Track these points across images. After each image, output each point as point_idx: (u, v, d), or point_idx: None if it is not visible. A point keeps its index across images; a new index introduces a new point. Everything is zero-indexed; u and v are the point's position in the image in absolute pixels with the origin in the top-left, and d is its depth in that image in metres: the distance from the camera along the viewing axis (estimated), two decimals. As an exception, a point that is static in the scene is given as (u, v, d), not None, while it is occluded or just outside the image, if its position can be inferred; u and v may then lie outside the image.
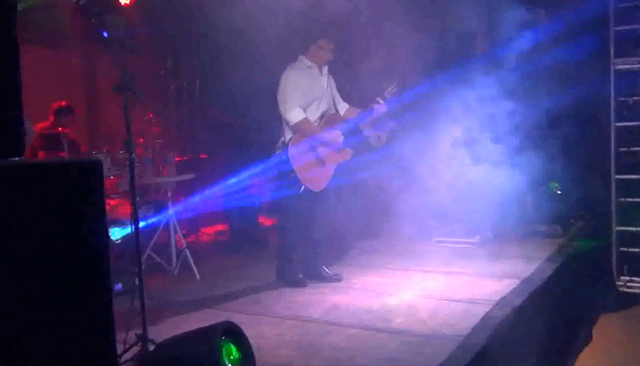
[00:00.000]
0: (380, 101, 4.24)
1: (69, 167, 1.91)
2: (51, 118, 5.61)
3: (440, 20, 5.37)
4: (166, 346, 2.78)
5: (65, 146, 5.07)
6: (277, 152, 4.27)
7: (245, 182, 5.18)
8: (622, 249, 5.77)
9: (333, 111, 4.40)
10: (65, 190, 1.81)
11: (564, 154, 6.10)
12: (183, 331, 2.90)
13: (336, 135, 4.25)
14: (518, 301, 3.76)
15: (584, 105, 5.91)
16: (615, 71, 5.71)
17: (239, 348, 2.73)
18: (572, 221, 5.84)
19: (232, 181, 5.21)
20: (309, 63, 4.25)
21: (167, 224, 4.82)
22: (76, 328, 1.83)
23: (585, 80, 5.77)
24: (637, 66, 5.63)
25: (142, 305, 2.97)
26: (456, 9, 5.40)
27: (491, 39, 5.44)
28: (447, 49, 5.37)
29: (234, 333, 2.75)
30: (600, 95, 5.80)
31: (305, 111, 4.16)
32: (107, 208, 4.86)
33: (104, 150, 5.10)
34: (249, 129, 5.36)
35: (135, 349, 2.94)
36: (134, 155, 3.07)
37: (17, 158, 1.86)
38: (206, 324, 2.84)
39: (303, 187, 4.14)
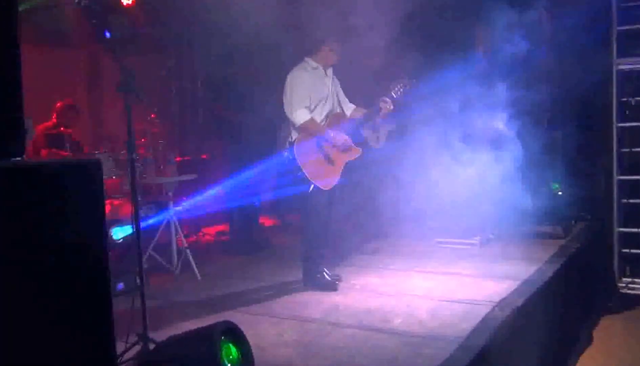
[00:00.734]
0: (387, 100, 4.25)
1: (69, 167, 1.92)
2: (54, 117, 5.63)
3: (441, 21, 5.37)
4: (166, 346, 2.79)
5: (68, 146, 5.09)
6: (283, 152, 4.28)
7: (246, 182, 5.19)
8: (623, 250, 5.76)
9: (338, 111, 4.41)
10: (65, 190, 1.83)
11: (565, 155, 6.09)
12: (183, 330, 2.92)
13: (344, 135, 4.25)
14: (519, 303, 3.75)
15: (585, 105, 5.89)
16: (618, 71, 5.70)
17: (238, 348, 2.74)
18: (573, 222, 5.83)
19: (234, 181, 5.23)
20: (315, 64, 4.27)
21: (168, 224, 4.84)
22: (76, 328, 1.84)
23: (587, 80, 5.76)
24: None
25: (143, 304, 2.99)
26: (456, 10, 5.41)
27: (492, 39, 5.44)
28: (447, 49, 5.37)
29: (233, 333, 2.76)
30: (602, 95, 5.79)
31: (311, 111, 4.17)
32: (110, 208, 4.94)
33: (107, 150, 5.12)
34: (251, 130, 5.37)
35: (136, 348, 2.95)
36: (135, 155, 3.08)
37: (18, 158, 1.88)
38: (206, 324, 2.85)
39: (312, 185, 4.14)
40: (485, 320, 3.48)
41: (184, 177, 5.33)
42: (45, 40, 6.08)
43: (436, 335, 3.30)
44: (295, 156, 4.12)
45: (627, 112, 5.77)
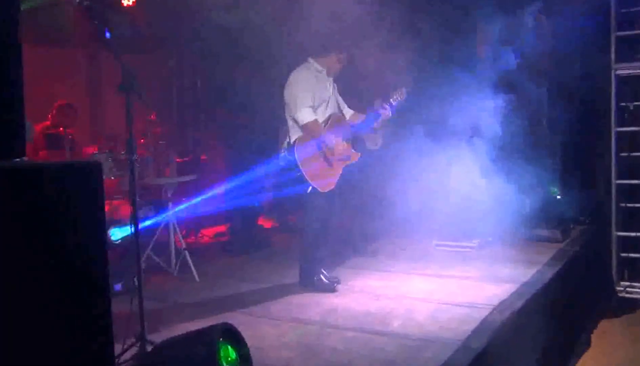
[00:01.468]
0: (386, 107, 4.32)
1: (69, 168, 1.92)
2: (52, 116, 5.62)
3: (441, 23, 5.38)
4: (164, 347, 2.78)
5: (67, 146, 5.09)
6: (282, 152, 4.28)
7: (246, 183, 5.19)
8: (622, 254, 5.77)
9: (338, 114, 4.43)
10: (65, 191, 1.82)
11: (564, 159, 6.10)
12: (181, 332, 2.91)
13: (344, 139, 4.26)
14: (517, 305, 3.75)
15: (584, 110, 5.91)
16: (616, 76, 5.71)
17: (236, 350, 2.73)
18: (572, 226, 5.83)
19: (233, 182, 5.23)
20: (320, 67, 4.28)
21: (167, 225, 4.83)
22: (74, 329, 1.83)
23: (586, 85, 5.77)
24: (639, 71, 5.64)
25: (141, 305, 2.98)
26: (456, 12, 5.41)
27: (492, 43, 5.45)
28: (448, 52, 5.38)
29: (231, 335, 2.75)
30: (601, 100, 5.81)
31: (314, 112, 4.18)
32: (109, 208, 4.93)
33: (106, 150, 5.12)
34: (251, 131, 5.37)
35: (134, 349, 2.95)
36: (134, 156, 3.08)
37: (18, 159, 1.87)
38: (204, 325, 2.84)
39: (310, 187, 4.14)
40: (484, 323, 3.48)
41: (184, 178, 5.33)
42: (45, 40, 6.07)
43: (435, 337, 3.30)
44: (296, 156, 4.13)
45: (625, 117, 5.79)
